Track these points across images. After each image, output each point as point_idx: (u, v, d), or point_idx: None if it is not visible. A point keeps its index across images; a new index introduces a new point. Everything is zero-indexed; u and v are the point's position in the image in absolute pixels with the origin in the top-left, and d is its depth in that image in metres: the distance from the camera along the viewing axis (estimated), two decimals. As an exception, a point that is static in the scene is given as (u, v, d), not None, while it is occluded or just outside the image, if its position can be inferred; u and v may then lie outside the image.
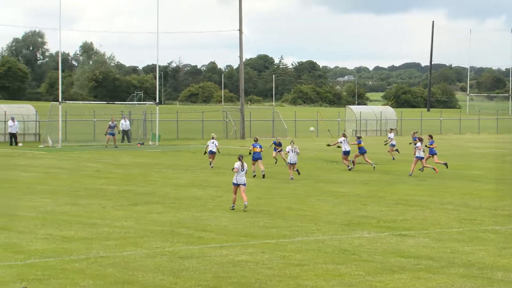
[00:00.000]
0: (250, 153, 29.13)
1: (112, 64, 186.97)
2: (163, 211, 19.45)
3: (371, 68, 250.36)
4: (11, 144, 44.12)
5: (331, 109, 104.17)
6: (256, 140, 28.58)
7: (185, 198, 21.88)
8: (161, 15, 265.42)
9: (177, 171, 30.14)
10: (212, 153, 30.99)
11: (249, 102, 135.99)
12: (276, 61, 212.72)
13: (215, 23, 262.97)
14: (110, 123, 44.83)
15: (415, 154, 28.73)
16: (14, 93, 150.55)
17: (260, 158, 27.62)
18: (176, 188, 24.44)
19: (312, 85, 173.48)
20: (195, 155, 38.37)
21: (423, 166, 28.79)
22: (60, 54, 47.45)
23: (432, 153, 29.96)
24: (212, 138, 31.37)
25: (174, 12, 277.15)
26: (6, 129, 47.10)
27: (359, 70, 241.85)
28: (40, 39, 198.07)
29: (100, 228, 16.64)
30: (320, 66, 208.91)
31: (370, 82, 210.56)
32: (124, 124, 48.77)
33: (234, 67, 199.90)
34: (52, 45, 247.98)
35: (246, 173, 19.53)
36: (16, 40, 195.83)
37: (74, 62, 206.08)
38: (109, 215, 18.61)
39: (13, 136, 44.48)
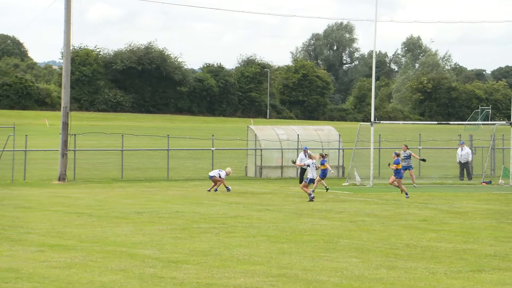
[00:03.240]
0: None
1: (447, 67, 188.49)
2: (521, 283, 19.01)
3: None
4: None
5: None
6: None
7: (554, 266, 21.18)
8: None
9: (542, 224, 29.32)
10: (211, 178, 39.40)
11: None
12: None
13: None
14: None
15: None
16: (311, 110, 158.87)
17: None
18: (541, 249, 23.78)
19: None
20: None
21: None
22: (374, 55, 48.63)
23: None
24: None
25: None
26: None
27: None
28: (348, 35, 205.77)
29: (427, 304, 16.75)
30: None
31: None
32: (460, 154, 48.74)
33: None
34: (364, 43, 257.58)
35: None
36: (316, 37, 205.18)
37: (393, 66, 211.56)
38: (441, 284, 18.64)
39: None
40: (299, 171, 45.79)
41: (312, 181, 37.43)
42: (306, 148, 46.41)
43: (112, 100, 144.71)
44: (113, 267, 20.14)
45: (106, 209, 32.43)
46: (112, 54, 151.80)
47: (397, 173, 38.81)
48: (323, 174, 39.00)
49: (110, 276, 19.03)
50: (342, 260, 21.61)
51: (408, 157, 44.68)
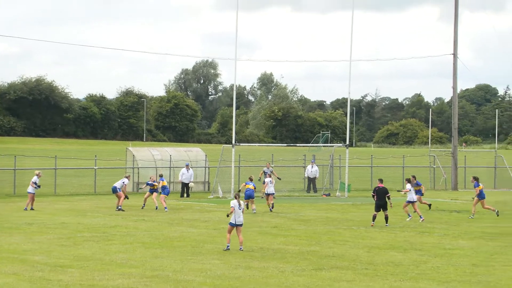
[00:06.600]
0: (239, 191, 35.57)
1: (294, 99, 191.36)
2: (354, 278, 19.45)
3: None
4: (182, 196, 45.72)
5: None
6: (251, 180, 36.06)
7: (380, 263, 21.74)
8: (357, 41, 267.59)
9: (371, 229, 30.06)
10: (115, 192, 36.43)
11: (464, 144, 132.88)
12: (501, 92, 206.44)
13: (422, 46, 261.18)
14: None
15: None
16: (182, 134, 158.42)
17: (252, 197, 35.65)
18: (370, 250, 24.36)
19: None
20: (394, 210, 38.04)
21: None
22: (235, 88, 49.16)
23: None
24: (127, 177, 37.80)
25: (372, 37, 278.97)
26: (174, 177, 49.03)
27: None
28: (213, 71, 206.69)
29: (277, 297, 16.95)
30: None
31: None
32: (310, 170, 49.67)
33: (446, 100, 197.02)
34: (227, 77, 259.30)
35: (243, 212, 23.58)
36: (185, 72, 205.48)
37: (250, 97, 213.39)
38: (289, 281, 18.90)
39: (185, 186, 46.03)
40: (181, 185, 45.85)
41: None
42: (188, 163, 46.45)
43: (6, 126, 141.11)
44: (6, 271, 19.63)
45: (0, 221, 31.52)
46: (6, 85, 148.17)
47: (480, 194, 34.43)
48: (166, 192, 37.27)
49: (3, 279, 18.55)
50: (207, 262, 21.67)
51: (269, 173, 45.23)
